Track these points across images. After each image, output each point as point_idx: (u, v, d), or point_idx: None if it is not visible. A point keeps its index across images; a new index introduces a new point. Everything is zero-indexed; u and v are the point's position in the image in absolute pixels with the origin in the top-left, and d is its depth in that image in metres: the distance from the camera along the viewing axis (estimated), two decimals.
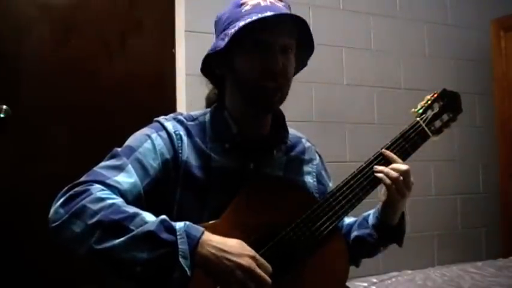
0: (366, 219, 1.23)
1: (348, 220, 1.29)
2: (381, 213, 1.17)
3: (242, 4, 1.07)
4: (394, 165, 1.11)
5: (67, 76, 2.21)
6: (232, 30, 1.02)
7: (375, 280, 1.97)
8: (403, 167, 1.10)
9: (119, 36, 2.32)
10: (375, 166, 1.12)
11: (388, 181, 1.10)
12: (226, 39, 1.03)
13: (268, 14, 1.00)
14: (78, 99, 2.22)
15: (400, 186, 1.10)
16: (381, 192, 1.15)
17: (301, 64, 1.17)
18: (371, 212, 1.23)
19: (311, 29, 1.07)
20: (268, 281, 0.92)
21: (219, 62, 1.10)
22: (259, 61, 1.04)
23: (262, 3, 1.06)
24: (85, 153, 1.94)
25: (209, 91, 1.23)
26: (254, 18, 1.00)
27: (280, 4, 1.08)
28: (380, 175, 1.10)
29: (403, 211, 1.18)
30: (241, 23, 1.01)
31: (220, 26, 1.10)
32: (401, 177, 1.09)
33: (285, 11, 1.07)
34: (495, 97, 3.01)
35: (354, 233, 1.22)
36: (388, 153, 1.13)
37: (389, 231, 1.18)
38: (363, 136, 2.69)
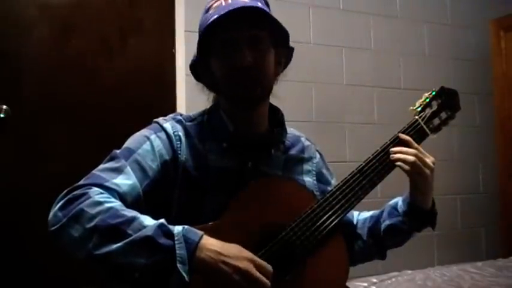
0: (394, 207, 1.21)
1: (364, 215, 1.27)
2: (411, 199, 1.16)
3: (208, 9, 1.08)
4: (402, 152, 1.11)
5: (67, 76, 2.21)
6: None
7: (374, 280, 1.97)
8: (411, 150, 1.10)
9: (119, 36, 2.32)
10: (375, 162, 1.12)
11: (405, 167, 1.09)
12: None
13: (223, 12, 1.00)
14: (78, 99, 2.22)
15: (417, 168, 1.09)
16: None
17: (288, 49, 1.15)
18: (396, 201, 1.21)
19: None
20: (267, 283, 0.91)
21: (201, 70, 1.13)
22: (227, 60, 1.05)
23: (224, 3, 1.05)
24: (85, 153, 1.95)
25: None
26: (209, 22, 1.01)
27: None
28: (396, 156, 1.10)
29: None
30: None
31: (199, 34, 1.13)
32: (411, 158, 1.09)
33: (247, 4, 1.03)
34: (494, 97, 3.01)
35: (386, 223, 1.20)
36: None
37: (422, 215, 1.16)
38: (363, 136, 2.69)
